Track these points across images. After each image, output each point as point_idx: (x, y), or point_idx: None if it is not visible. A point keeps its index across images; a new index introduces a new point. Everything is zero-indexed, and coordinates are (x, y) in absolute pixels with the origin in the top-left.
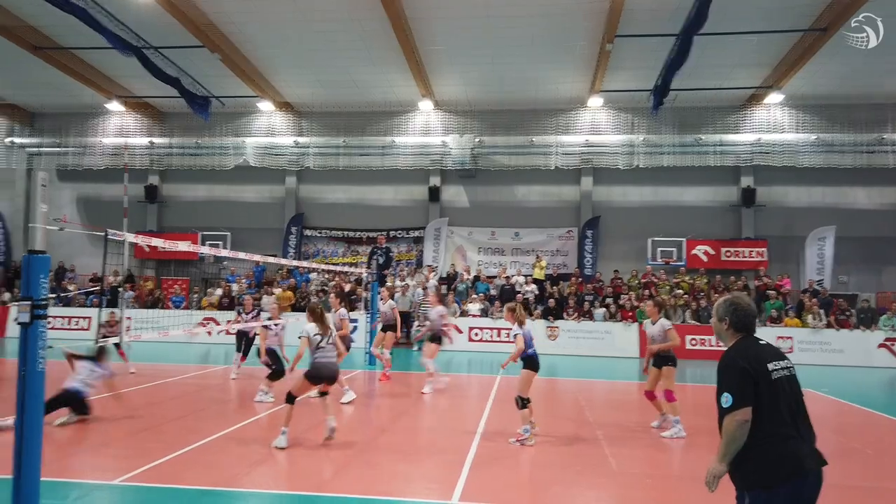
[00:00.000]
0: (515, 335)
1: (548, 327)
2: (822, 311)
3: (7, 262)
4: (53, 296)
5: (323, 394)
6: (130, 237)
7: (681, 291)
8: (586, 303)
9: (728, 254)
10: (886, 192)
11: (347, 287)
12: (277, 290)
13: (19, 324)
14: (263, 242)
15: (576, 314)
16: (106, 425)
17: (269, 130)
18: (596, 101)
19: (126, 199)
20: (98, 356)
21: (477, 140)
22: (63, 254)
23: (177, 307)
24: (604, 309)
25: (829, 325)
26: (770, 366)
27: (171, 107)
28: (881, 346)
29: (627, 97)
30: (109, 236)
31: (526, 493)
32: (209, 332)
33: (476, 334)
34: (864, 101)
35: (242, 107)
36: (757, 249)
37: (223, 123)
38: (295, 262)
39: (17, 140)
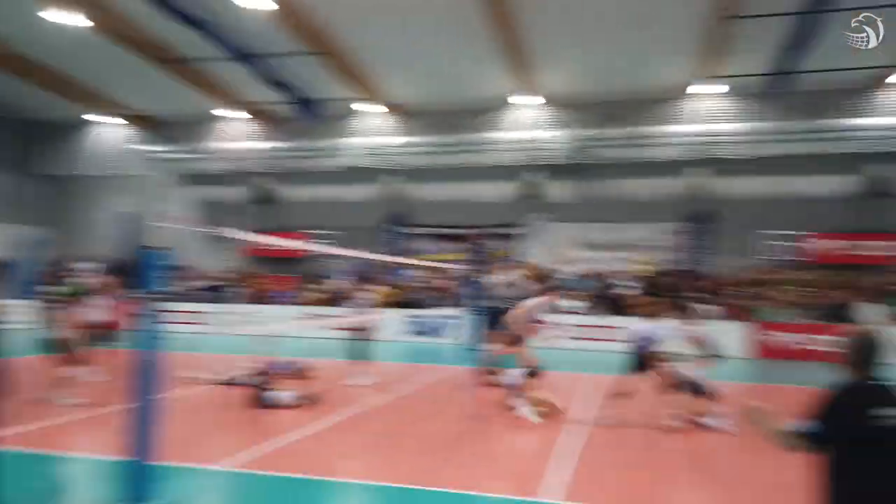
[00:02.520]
0: None
1: None
2: None
3: None
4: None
5: None
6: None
7: None
8: None
9: None
10: None
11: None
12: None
13: None
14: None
15: None
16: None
17: (377, 131)
18: None
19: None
20: None
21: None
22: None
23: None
24: None
25: None
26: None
27: (282, 112)
28: None
29: None
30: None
31: None
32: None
33: None
34: None
35: (345, 110)
36: None
37: (328, 125)
38: (399, 259)
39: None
